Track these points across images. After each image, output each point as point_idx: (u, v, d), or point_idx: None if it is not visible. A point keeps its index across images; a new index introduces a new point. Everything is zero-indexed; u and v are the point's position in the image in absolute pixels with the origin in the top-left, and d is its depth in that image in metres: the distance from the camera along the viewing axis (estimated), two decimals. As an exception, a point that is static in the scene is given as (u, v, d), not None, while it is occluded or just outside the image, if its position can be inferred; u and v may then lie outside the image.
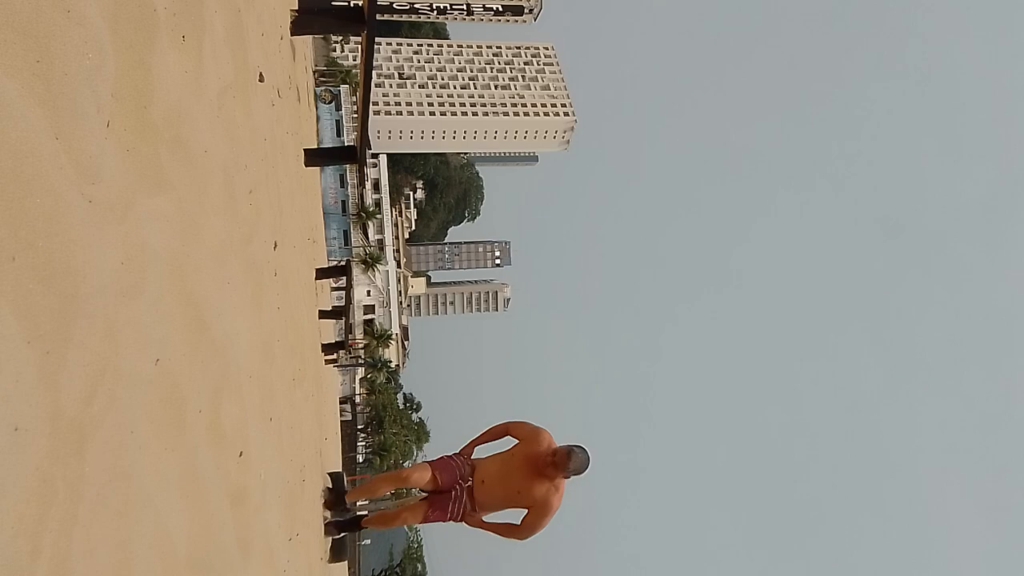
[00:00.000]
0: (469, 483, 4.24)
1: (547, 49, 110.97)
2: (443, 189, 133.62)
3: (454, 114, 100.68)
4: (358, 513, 4.97)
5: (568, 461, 3.88)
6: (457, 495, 4.25)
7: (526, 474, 4.04)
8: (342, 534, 4.92)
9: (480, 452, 4.40)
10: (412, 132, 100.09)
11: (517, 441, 4.21)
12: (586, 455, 3.95)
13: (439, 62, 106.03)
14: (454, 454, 4.41)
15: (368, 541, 43.71)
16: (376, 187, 74.78)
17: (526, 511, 4.09)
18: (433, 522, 4.35)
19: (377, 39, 5.12)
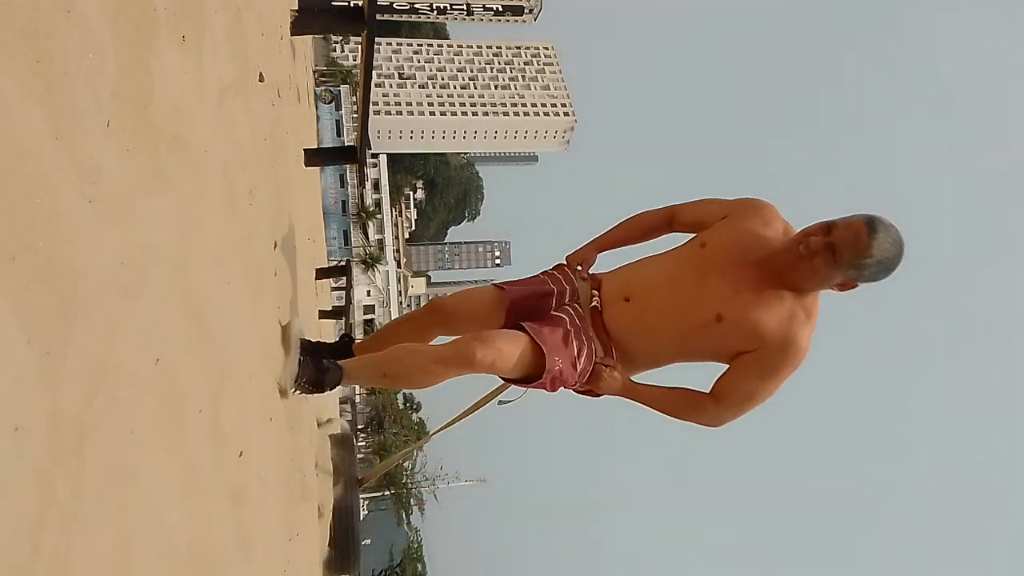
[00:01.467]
0: (595, 302, 2.22)
1: (547, 49, 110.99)
2: (443, 189, 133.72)
3: (454, 114, 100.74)
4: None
5: (870, 241, 1.84)
6: (576, 322, 2.16)
7: (735, 280, 2.02)
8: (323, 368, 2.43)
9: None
10: (412, 132, 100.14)
11: (694, 236, 2.19)
12: (899, 234, 1.87)
13: (439, 62, 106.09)
14: (551, 268, 2.40)
15: (368, 541, 43.75)
16: (376, 187, 74.83)
17: (727, 366, 2.10)
18: (544, 388, 2.16)
19: (377, 39, 5.12)
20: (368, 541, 44.09)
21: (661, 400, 2.21)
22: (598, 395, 2.27)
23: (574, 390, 2.29)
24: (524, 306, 2.26)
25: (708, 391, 2.15)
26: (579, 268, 2.36)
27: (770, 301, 2.02)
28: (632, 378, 2.25)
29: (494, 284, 2.37)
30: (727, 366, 2.13)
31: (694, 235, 2.22)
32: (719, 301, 2.05)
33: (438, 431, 2.90)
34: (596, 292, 2.27)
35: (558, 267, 2.42)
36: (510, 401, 2.42)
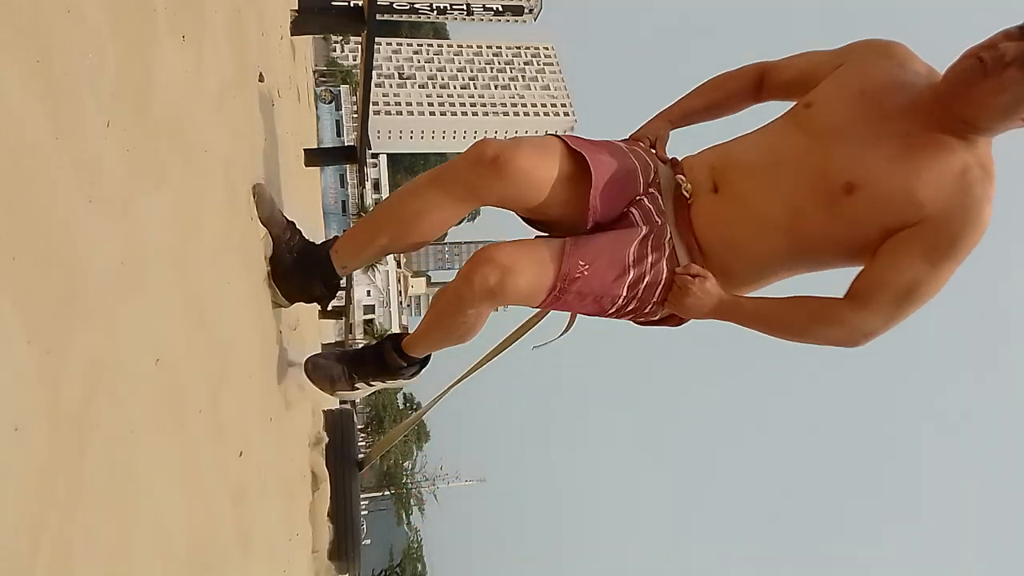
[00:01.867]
0: (684, 190, 1.67)
1: (547, 49, 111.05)
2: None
3: (454, 114, 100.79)
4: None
5: None
6: (654, 218, 1.64)
7: (870, 135, 1.47)
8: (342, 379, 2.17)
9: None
10: (412, 132, 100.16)
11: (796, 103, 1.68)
12: None
13: (439, 62, 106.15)
14: (622, 141, 1.82)
15: (368, 541, 43.81)
16: (376, 187, 74.86)
17: (862, 268, 1.58)
18: (582, 310, 1.68)
19: (377, 39, 5.12)
20: (368, 541, 44.13)
21: (775, 315, 1.62)
22: (682, 322, 1.70)
23: (651, 321, 1.71)
24: (613, 195, 1.62)
25: (846, 296, 1.57)
26: (652, 150, 1.81)
27: (928, 151, 1.42)
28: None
29: (561, 142, 1.65)
30: (862, 268, 1.57)
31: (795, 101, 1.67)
32: (847, 165, 1.46)
33: (457, 382, 2.58)
34: (683, 177, 1.69)
35: (631, 142, 1.83)
36: (545, 343, 1.98)
